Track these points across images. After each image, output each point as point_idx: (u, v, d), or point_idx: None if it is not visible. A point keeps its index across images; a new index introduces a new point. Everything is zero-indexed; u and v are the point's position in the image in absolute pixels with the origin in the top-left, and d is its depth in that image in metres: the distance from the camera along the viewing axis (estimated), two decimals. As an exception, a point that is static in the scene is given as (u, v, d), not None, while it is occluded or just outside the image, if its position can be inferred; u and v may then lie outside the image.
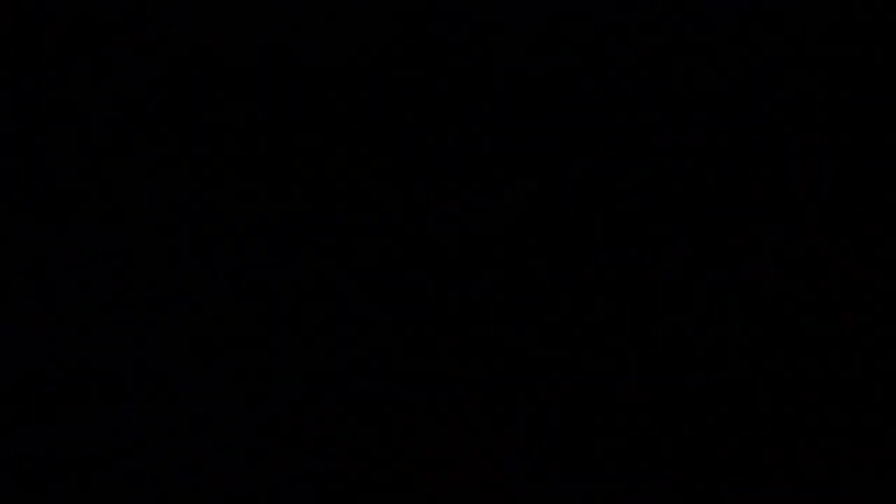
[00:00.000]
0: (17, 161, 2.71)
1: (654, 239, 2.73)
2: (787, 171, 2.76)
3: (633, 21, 2.75)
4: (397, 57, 2.76)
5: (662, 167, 2.76)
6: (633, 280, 2.69)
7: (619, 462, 2.54)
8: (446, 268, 2.71)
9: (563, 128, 2.77)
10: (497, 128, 2.77)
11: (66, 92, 2.72)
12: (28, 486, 2.52)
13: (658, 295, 2.68)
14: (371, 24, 2.76)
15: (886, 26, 2.74)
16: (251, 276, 2.69)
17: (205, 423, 2.59)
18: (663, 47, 2.76)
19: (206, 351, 2.64)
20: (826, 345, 2.61)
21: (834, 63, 2.76)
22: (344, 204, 2.74)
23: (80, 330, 2.64)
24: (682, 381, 2.61)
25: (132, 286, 2.68)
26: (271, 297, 2.68)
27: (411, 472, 2.56)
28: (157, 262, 2.70)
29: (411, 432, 2.59)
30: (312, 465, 2.56)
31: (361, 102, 2.77)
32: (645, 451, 2.55)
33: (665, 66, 2.76)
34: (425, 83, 2.77)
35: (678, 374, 2.62)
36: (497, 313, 2.68)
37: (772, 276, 2.68)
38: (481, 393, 2.62)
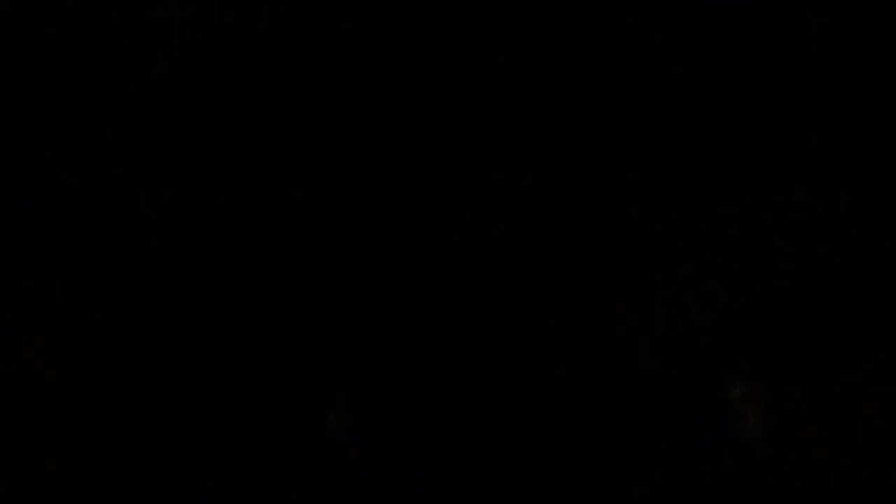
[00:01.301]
0: (17, 161, 2.71)
1: (654, 238, 2.73)
2: (787, 171, 2.76)
3: (633, 21, 2.75)
4: (397, 57, 2.76)
5: (662, 167, 2.76)
6: (632, 280, 2.70)
7: (619, 462, 2.55)
8: (446, 268, 2.71)
9: (563, 128, 2.77)
10: (497, 128, 2.78)
11: (66, 92, 2.72)
12: (28, 485, 2.52)
13: (657, 295, 2.68)
14: (371, 24, 2.76)
15: (886, 26, 2.74)
16: (251, 276, 2.69)
17: (205, 422, 2.59)
18: (663, 47, 2.76)
19: (207, 350, 2.65)
20: (826, 345, 2.61)
21: (834, 63, 2.76)
22: (344, 204, 2.74)
23: (80, 330, 2.65)
24: (681, 381, 2.61)
25: (132, 286, 2.68)
26: (271, 296, 2.68)
27: (411, 472, 2.56)
28: (157, 261, 2.70)
29: (411, 431, 2.59)
30: (312, 465, 2.57)
31: (361, 102, 2.77)
32: (644, 451, 2.55)
33: (665, 66, 2.76)
34: (425, 83, 2.77)
35: (678, 374, 2.62)
36: (497, 313, 2.68)
37: (771, 275, 2.69)
38: (481, 393, 2.62)
